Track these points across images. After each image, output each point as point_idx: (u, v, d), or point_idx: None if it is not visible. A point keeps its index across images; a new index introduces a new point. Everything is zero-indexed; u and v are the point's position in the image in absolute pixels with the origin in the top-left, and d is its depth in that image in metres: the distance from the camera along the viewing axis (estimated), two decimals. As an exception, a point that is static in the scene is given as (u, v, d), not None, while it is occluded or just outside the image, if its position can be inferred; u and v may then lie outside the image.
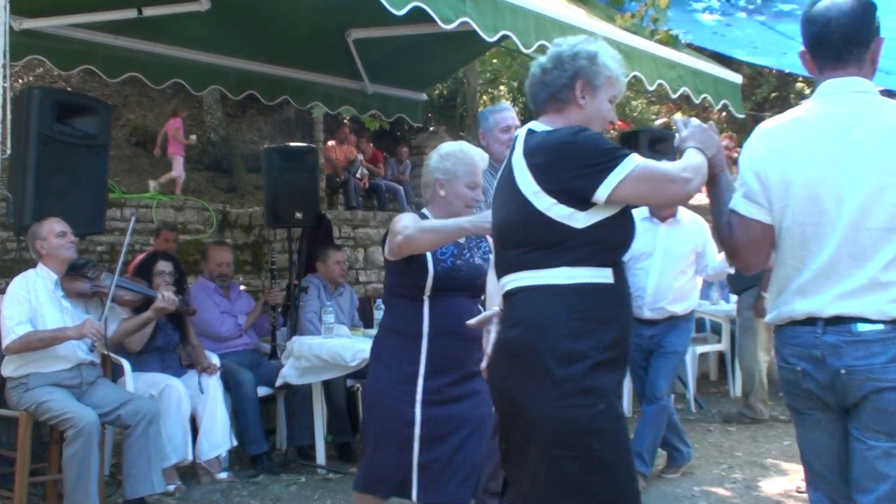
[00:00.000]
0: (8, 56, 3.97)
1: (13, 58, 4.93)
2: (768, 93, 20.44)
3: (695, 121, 2.69)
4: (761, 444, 6.38)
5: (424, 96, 8.84)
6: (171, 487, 5.13)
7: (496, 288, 2.76)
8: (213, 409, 5.46)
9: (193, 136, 12.62)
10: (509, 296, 2.61)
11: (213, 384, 5.53)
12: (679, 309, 5.36)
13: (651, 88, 6.15)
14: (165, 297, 5.09)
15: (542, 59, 2.71)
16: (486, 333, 2.75)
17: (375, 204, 13.30)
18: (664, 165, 2.52)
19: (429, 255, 3.37)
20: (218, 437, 5.46)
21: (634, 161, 2.45)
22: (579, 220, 2.46)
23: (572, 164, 2.46)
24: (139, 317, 5.12)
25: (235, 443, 5.62)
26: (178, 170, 12.10)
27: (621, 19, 6.29)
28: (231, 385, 5.75)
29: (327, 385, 5.84)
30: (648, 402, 5.32)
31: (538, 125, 2.64)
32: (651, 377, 5.36)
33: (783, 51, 9.05)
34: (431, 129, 15.16)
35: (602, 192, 2.43)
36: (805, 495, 5.00)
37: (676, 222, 5.40)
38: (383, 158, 14.60)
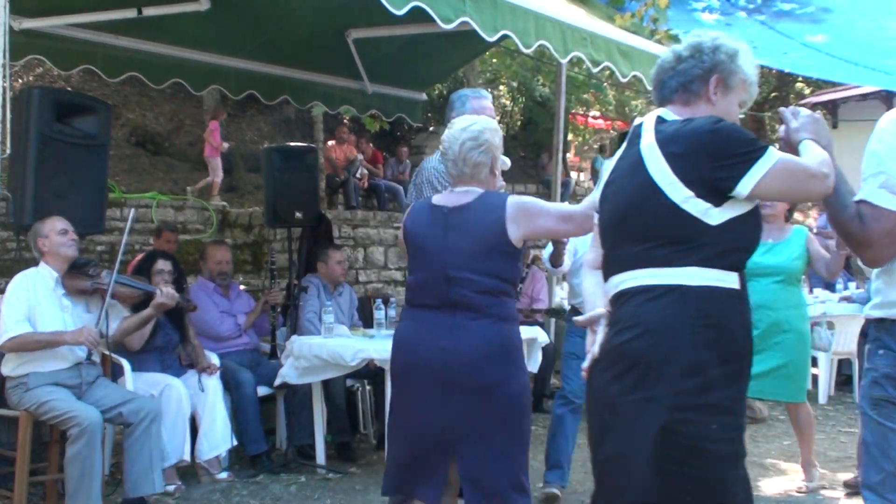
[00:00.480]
0: (8, 56, 3.98)
1: (13, 57, 4.93)
2: (768, 93, 20.42)
3: (804, 111, 2.58)
4: (761, 444, 6.38)
5: (424, 96, 8.85)
6: (171, 488, 5.12)
7: (596, 287, 2.61)
8: (213, 409, 5.46)
9: (226, 144, 12.73)
10: (624, 295, 2.43)
11: (213, 384, 5.52)
12: None
13: (651, 88, 6.15)
14: (165, 292, 5.07)
15: (678, 46, 2.61)
16: (590, 333, 2.55)
17: (375, 204, 13.32)
18: (803, 160, 2.40)
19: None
20: (218, 437, 5.45)
21: (775, 154, 2.33)
22: (713, 216, 2.33)
23: (714, 155, 2.33)
24: (140, 314, 5.11)
25: (235, 442, 5.62)
26: (214, 173, 12.15)
27: (621, 19, 6.30)
28: (231, 385, 5.75)
29: (327, 385, 5.84)
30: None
31: (668, 113, 2.52)
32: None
33: (783, 50, 9.05)
34: (431, 128, 15.16)
35: (744, 186, 2.31)
36: (803, 496, 5.04)
37: None
38: (383, 158, 14.61)
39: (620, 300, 2.44)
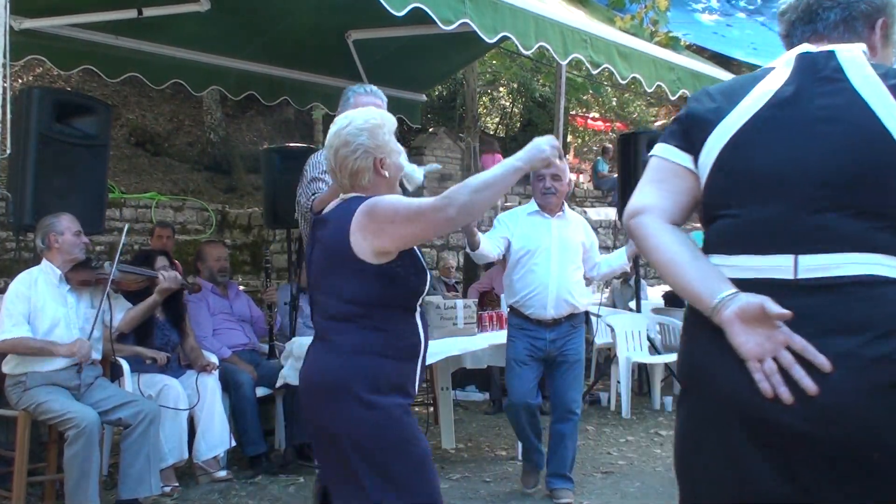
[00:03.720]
0: (8, 56, 3.97)
1: (13, 57, 4.94)
2: (766, 95, 20.45)
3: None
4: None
5: (424, 97, 8.86)
6: (168, 489, 5.12)
7: (702, 259, 1.90)
8: (212, 410, 5.45)
9: None
10: (837, 286, 1.74)
11: (212, 384, 5.52)
12: (581, 303, 5.09)
13: (650, 90, 6.17)
14: (167, 276, 5.12)
15: None
16: (748, 329, 1.75)
17: (374, 205, 13.30)
18: None
19: (417, 250, 2.79)
20: (216, 438, 5.45)
21: None
22: None
23: None
24: (145, 302, 5.12)
25: (234, 443, 5.61)
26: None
27: (621, 21, 6.31)
28: (230, 385, 5.75)
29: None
30: (563, 420, 5.01)
31: (851, 49, 1.88)
32: (562, 391, 5.03)
33: (783, 52, 9.07)
34: (431, 130, 15.16)
35: None
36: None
37: (564, 215, 5.07)
38: (382, 159, 14.61)
39: (825, 290, 1.76)
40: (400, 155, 2.86)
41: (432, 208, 2.58)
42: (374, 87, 4.20)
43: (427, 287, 2.80)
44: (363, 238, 2.64)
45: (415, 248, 2.75)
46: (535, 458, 5.19)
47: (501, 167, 2.63)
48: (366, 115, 2.83)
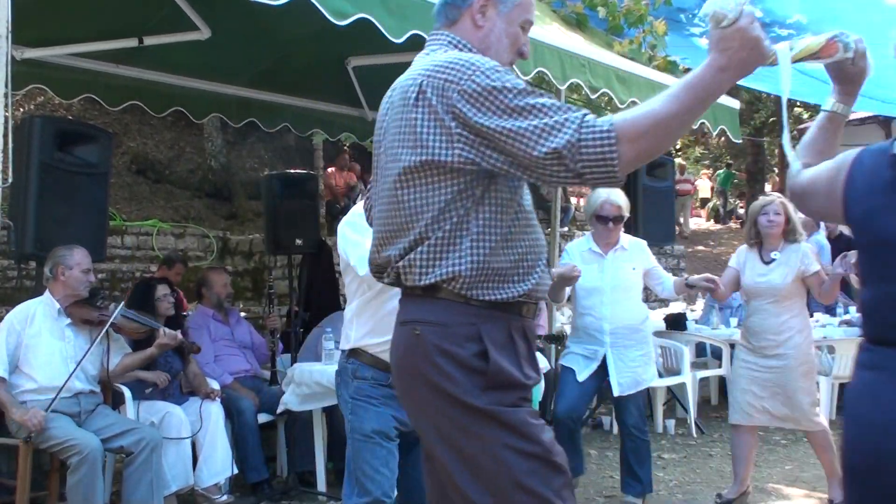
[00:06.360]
0: (10, 85, 4.00)
1: (14, 87, 4.95)
2: (766, 117, 20.56)
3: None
4: (762, 468, 6.35)
5: (424, 123, 8.87)
6: (171, 517, 5.10)
7: None
8: (214, 436, 5.43)
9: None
10: None
11: (215, 411, 5.50)
12: None
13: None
14: (168, 333, 5.11)
15: None
16: None
17: (375, 230, 13.33)
18: None
19: None
20: (218, 464, 5.42)
21: None
22: None
23: None
24: (142, 353, 5.13)
25: (236, 470, 5.59)
26: None
27: (619, 46, 6.35)
28: (231, 412, 5.73)
29: (328, 412, 5.82)
30: None
31: None
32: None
33: (778, 77, 9.12)
34: (431, 155, 15.25)
35: None
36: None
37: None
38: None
39: None
40: None
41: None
42: None
43: None
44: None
45: None
46: None
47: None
48: None
